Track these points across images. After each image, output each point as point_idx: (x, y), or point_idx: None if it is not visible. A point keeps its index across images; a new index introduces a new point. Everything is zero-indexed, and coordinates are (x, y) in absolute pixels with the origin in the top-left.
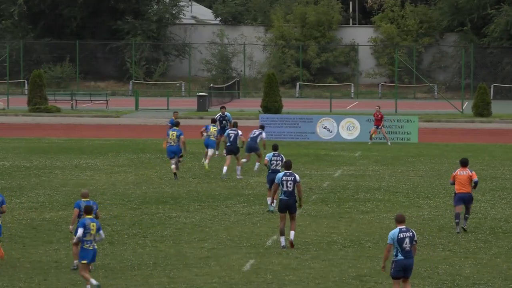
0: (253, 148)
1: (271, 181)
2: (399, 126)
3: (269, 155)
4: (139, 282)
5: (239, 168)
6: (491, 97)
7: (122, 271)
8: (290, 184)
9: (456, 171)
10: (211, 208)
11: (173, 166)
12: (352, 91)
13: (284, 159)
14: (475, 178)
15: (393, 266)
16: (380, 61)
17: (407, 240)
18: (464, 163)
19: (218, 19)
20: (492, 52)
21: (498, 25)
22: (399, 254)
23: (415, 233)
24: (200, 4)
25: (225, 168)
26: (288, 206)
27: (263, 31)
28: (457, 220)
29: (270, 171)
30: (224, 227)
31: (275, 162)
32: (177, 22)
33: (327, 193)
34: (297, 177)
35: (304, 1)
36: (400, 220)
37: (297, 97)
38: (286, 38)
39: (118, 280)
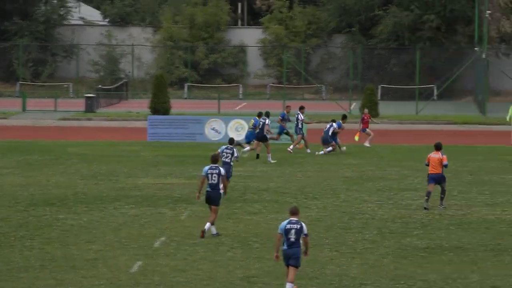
0: (325, 140)
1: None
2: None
3: (221, 148)
4: (26, 285)
5: (269, 155)
6: (379, 98)
7: (9, 273)
8: (215, 177)
9: (430, 154)
10: (99, 210)
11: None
12: (241, 92)
13: (235, 154)
14: (445, 162)
15: (281, 255)
16: (269, 62)
17: (292, 231)
18: (437, 147)
19: (106, 20)
20: (379, 53)
21: (386, 26)
22: (284, 244)
23: (304, 227)
24: (88, 5)
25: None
26: (211, 198)
27: (151, 32)
28: (426, 197)
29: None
30: (112, 228)
31: (225, 154)
32: (65, 23)
33: None
34: (222, 170)
35: (193, 2)
36: (292, 212)
37: (186, 98)
38: (175, 39)
39: (4, 283)
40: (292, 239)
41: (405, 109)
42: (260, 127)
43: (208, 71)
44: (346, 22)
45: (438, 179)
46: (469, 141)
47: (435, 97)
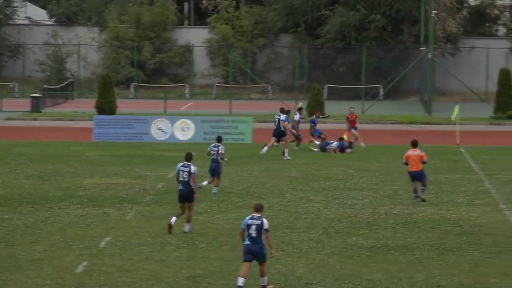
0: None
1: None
2: (233, 127)
3: (210, 147)
4: None
5: (286, 150)
6: (325, 98)
7: None
8: (186, 175)
9: (408, 152)
10: (44, 210)
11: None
12: (187, 92)
13: (221, 151)
14: (425, 158)
15: (243, 250)
16: (215, 62)
17: (253, 227)
18: (414, 144)
19: (52, 19)
20: (326, 53)
21: (332, 26)
22: (247, 239)
23: (265, 222)
24: (35, 5)
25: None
26: (184, 195)
27: (97, 31)
28: (414, 194)
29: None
30: (57, 228)
31: (212, 152)
32: (11, 22)
33: (161, 194)
34: (193, 168)
35: (139, 2)
36: (256, 209)
37: (132, 98)
38: (121, 39)
39: None
40: (253, 235)
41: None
42: (276, 123)
43: (154, 70)
44: (292, 22)
45: (420, 176)
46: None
47: (381, 97)
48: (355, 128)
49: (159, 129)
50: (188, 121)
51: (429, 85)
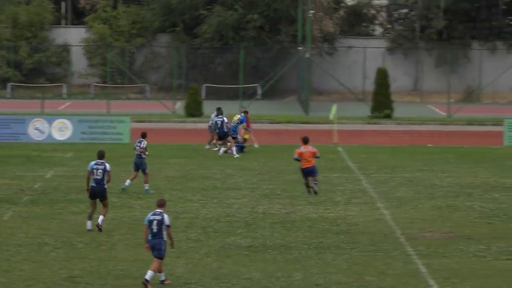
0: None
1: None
2: (111, 127)
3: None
4: None
5: (234, 148)
6: (203, 97)
7: None
8: (100, 172)
9: (300, 148)
10: None
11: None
12: (65, 92)
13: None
14: (318, 154)
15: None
16: (93, 62)
17: (155, 222)
18: (306, 141)
19: None
20: (204, 52)
21: (210, 25)
22: (149, 235)
23: (166, 218)
24: None
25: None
26: (96, 193)
27: None
28: (307, 188)
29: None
30: None
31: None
32: None
33: (39, 195)
34: (108, 166)
35: (15, 1)
36: (158, 204)
37: (9, 98)
38: None
39: None
40: (155, 230)
41: (229, 108)
42: (219, 125)
43: (32, 70)
44: (170, 22)
45: (312, 171)
46: (292, 140)
47: (259, 96)
48: (247, 128)
49: (37, 129)
50: (66, 121)
51: (307, 85)
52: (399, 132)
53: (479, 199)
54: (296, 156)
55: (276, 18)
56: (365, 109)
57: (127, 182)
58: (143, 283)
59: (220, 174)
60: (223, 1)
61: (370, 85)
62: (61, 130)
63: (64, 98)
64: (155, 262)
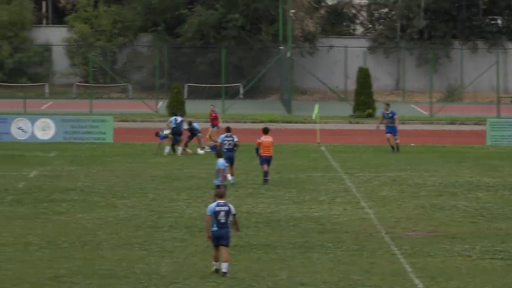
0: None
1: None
2: (94, 126)
3: (221, 137)
4: None
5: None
6: (186, 97)
7: None
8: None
9: (261, 138)
10: None
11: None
12: (47, 91)
13: (235, 140)
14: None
15: (211, 236)
16: (75, 61)
17: (222, 213)
18: (266, 131)
19: None
20: (185, 52)
21: (191, 25)
22: (215, 225)
23: (232, 208)
24: None
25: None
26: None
27: None
28: (265, 178)
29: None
30: None
31: (226, 143)
32: None
33: (23, 194)
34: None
35: None
36: (219, 195)
37: None
38: None
39: None
40: (223, 221)
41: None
42: (178, 123)
43: (13, 70)
44: (152, 21)
45: (270, 160)
46: (275, 140)
47: (241, 96)
48: (214, 126)
49: (19, 128)
50: (49, 121)
51: (289, 84)
52: (381, 132)
53: (463, 198)
54: (257, 145)
55: (256, 18)
56: (347, 108)
57: (230, 177)
58: (223, 276)
59: (205, 173)
60: (204, 1)
61: (352, 85)
62: (44, 130)
63: (46, 98)
64: (225, 251)
